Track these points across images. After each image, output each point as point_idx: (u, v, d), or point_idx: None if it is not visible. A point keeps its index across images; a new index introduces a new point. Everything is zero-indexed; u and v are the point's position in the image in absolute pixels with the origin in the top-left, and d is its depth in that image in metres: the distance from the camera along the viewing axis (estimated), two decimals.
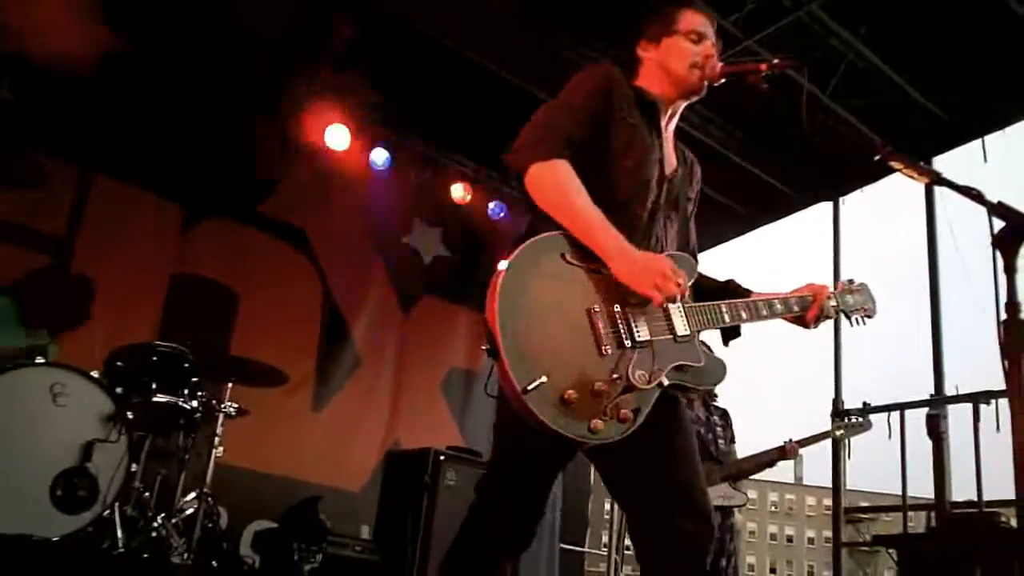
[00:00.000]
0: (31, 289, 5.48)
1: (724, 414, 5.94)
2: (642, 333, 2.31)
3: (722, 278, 2.77)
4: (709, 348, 2.51)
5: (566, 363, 2.18)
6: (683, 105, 2.79)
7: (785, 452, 5.72)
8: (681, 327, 2.40)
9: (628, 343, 2.27)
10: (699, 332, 2.45)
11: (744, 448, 5.96)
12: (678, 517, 2.33)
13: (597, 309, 2.27)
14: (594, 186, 2.40)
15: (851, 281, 2.97)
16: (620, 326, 2.28)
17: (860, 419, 6.25)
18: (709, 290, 2.69)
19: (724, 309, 2.54)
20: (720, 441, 5.70)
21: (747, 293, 2.74)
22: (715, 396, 5.88)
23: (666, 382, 2.31)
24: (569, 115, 2.49)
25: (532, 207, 2.42)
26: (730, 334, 2.66)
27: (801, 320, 2.75)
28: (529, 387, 2.08)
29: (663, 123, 2.72)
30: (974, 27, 6.64)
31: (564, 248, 2.31)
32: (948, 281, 7.75)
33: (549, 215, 2.36)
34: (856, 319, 2.96)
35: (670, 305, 2.39)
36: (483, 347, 2.18)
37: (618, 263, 2.29)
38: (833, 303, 2.83)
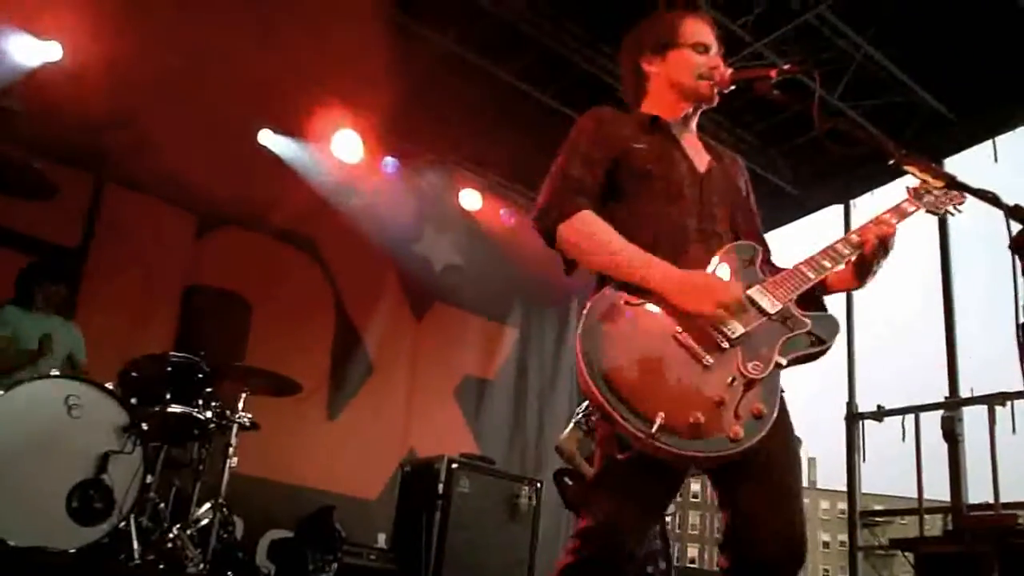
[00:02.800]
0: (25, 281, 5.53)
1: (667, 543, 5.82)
2: (735, 329, 2.26)
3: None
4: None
5: (677, 392, 2.15)
6: (696, 112, 2.77)
7: None
8: (769, 305, 2.34)
9: (726, 344, 2.24)
10: (791, 300, 2.38)
11: None
12: (771, 544, 2.28)
13: (680, 330, 2.24)
14: (631, 216, 2.43)
15: (922, 183, 2.56)
16: (711, 333, 2.25)
17: None
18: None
19: (804, 268, 2.45)
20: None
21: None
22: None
23: (783, 361, 2.26)
24: (576, 163, 2.50)
25: (572, 264, 2.46)
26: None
27: (864, 262, 2.52)
28: (654, 430, 2.05)
29: (677, 132, 2.69)
30: (984, 27, 6.63)
31: (620, 297, 2.30)
32: (961, 283, 7.72)
33: (591, 266, 2.39)
34: (950, 209, 2.60)
35: (749, 290, 2.36)
36: (594, 418, 2.15)
37: (668, 293, 2.27)
38: (912, 208, 2.57)
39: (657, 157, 2.56)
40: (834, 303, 2.74)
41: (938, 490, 7.27)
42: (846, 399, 8.14)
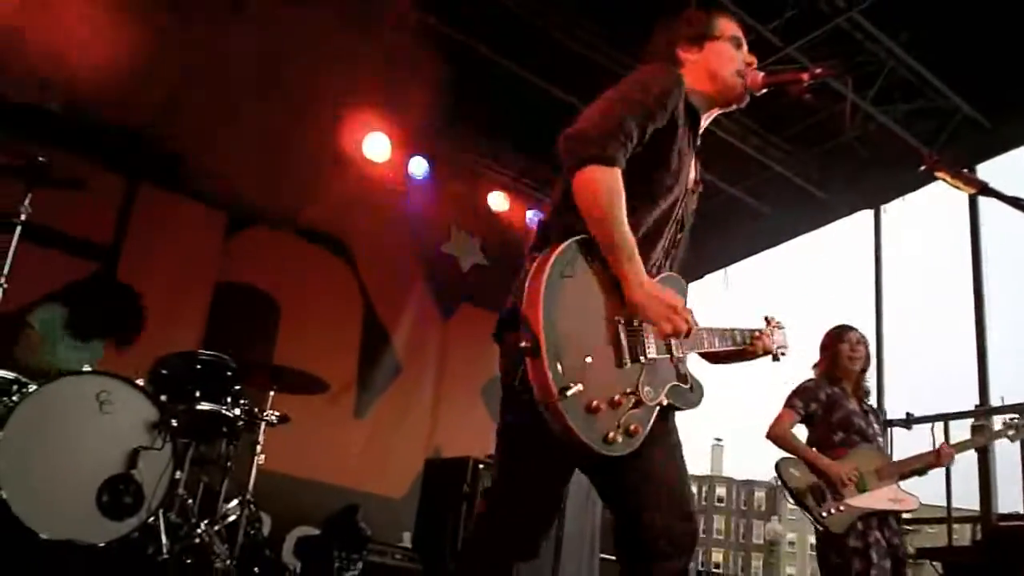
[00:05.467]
0: (78, 297, 5.55)
1: (874, 411, 5.34)
2: (652, 351, 2.33)
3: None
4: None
5: (595, 371, 2.18)
6: (716, 114, 2.74)
7: (940, 457, 4.99)
8: (676, 349, 2.44)
9: (642, 359, 2.29)
10: (686, 355, 2.50)
11: None
12: (661, 516, 2.36)
13: (620, 320, 2.29)
14: (636, 193, 2.36)
15: (773, 317, 3.04)
16: (637, 341, 2.30)
17: None
18: None
19: (705, 335, 2.61)
20: (880, 439, 5.14)
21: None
22: (868, 392, 5.32)
23: (665, 401, 2.36)
24: (638, 116, 2.35)
25: (567, 196, 2.35)
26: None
27: (740, 355, 2.86)
28: (567, 393, 2.07)
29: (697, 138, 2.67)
30: (1017, 33, 6.56)
31: (595, 252, 2.29)
32: (994, 290, 7.64)
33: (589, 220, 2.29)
34: (779, 353, 3.00)
35: None
36: (521, 344, 2.12)
37: (638, 295, 2.27)
38: (775, 339, 2.95)
39: (683, 155, 2.54)
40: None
41: (967, 499, 7.19)
42: (875, 406, 8.08)
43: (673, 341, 2.40)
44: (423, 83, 7.63)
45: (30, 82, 6.53)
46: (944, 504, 7.18)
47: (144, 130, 6.97)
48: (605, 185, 2.26)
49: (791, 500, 4.82)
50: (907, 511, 4.90)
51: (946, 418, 7.27)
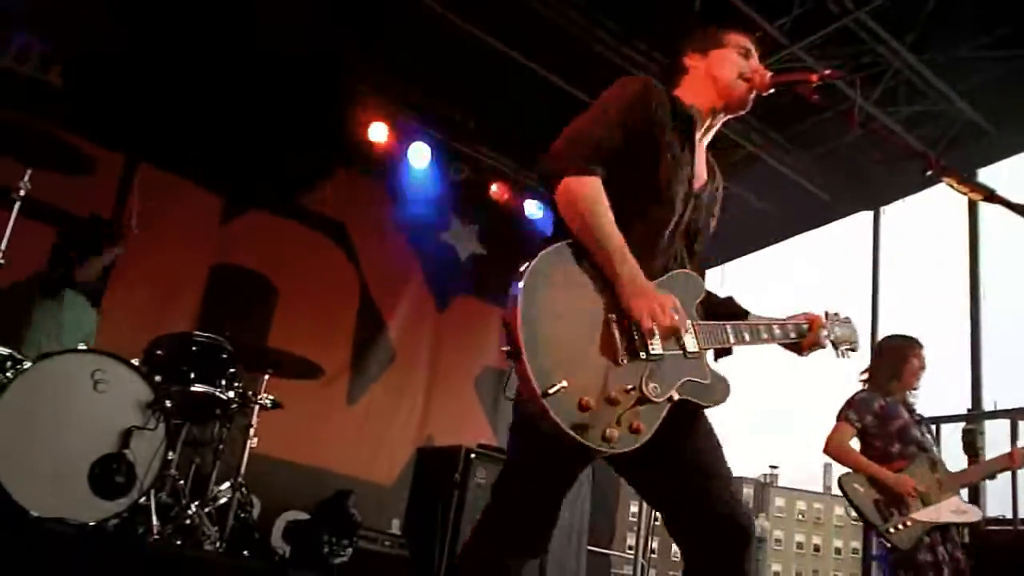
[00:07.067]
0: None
1: (924, 419, 5.14)
2: (656, 347, 2.31)
3: (723, 295, 2.79)
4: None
5: (585, 369, 2.20)
6: (723, 119, 2.76)
7: (1013, 459, 4.97)
8: (691, 344, 2.41)
9: (643, 355, 2.29)
10: (706, 350, 2.47)
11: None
12: (710, 509, 2.38)
13: (615, 318, 2.29)
14: (622, 199, 2.41)
15: (837, 313, 2.98)
16: (636, 338, 2.30)
17: None
18: (713, 305, 2.69)
19: (729, 330, 2.57)
20: (935, 448, 4.98)
21: (745, 313, 2.76)
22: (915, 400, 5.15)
23: (676, 397, 2.32)
24: (604, 127, 2.48)
25: (556, 215, 2.45)
26: (722, 352, 2.65)
27: (795, 347, 2.82)
28: (549, 391, 2.09)
29: (698, 136, 2.67)
30: (1018, 38, 6.56)
31: (584, 256, 2.34)
32: (990, 294, 7.63)
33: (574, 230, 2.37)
34: (842, 351, 2.98)
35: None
36: (503, 348, 2.19)
37: (628, 292, 2.29)
38: (825, 333, 2.87)
39: (672, 155, 2.55)
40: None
41: None
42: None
43: (687, 337, 2.39)
44: (427, 71, 7.63)
45: (31, 56, 6.51)
46: None
47: (144, 109, 6.94)
48: (582, 194, 2.37)
49: (856, 518, 4.70)
50: (970, 523, 4.84)
51: (938, 421, 7.28)
